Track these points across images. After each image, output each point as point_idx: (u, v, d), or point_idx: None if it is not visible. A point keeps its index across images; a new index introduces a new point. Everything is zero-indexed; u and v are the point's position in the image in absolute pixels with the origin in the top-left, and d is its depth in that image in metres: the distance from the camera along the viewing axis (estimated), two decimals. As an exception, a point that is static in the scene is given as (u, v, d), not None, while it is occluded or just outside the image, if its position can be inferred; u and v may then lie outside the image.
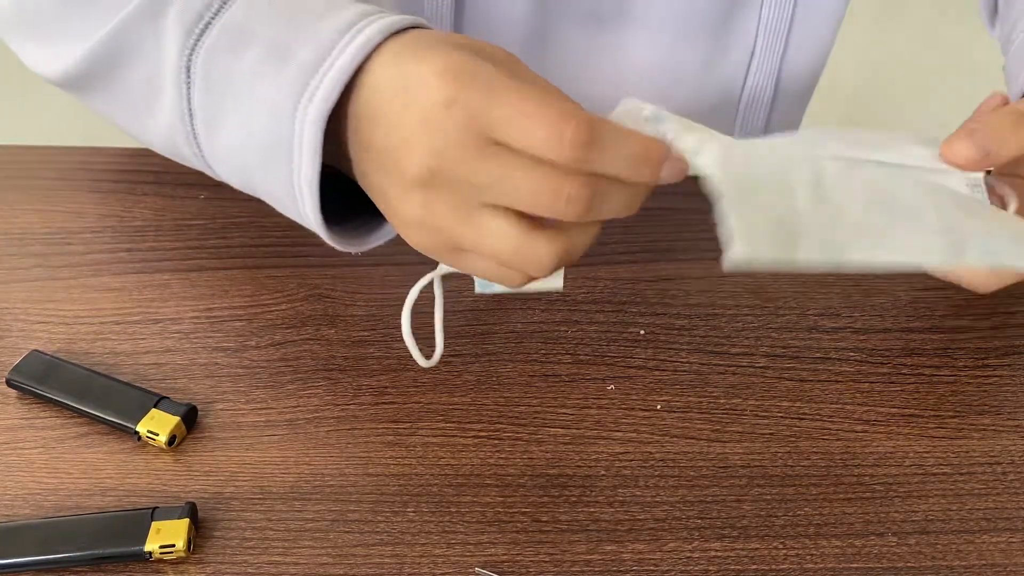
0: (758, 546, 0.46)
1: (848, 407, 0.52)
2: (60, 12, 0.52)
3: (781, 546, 0.46)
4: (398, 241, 0.57)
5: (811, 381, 0.53)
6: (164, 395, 0.50)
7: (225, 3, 0.46)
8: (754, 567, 0.45)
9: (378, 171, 0.43)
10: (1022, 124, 0.46)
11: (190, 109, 0.47)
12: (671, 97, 0.72)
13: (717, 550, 0.46)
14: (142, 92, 0.50)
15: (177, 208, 0.61)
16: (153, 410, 0.49)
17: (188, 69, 0.46)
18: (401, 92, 0.41)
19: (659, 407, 0.51)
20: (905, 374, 0.54)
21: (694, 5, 0.67)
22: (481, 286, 0.45)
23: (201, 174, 0.63)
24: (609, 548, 0.46)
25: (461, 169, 0.39)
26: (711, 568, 0.45)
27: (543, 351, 0.54)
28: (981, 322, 0.57)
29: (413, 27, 0.44)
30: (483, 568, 0.45)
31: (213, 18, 0.46)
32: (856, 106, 1.70)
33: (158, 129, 0.50)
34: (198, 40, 0.46)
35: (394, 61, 0.41)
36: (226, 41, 0.46)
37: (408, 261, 0.58)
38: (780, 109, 0.75)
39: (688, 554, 0.45)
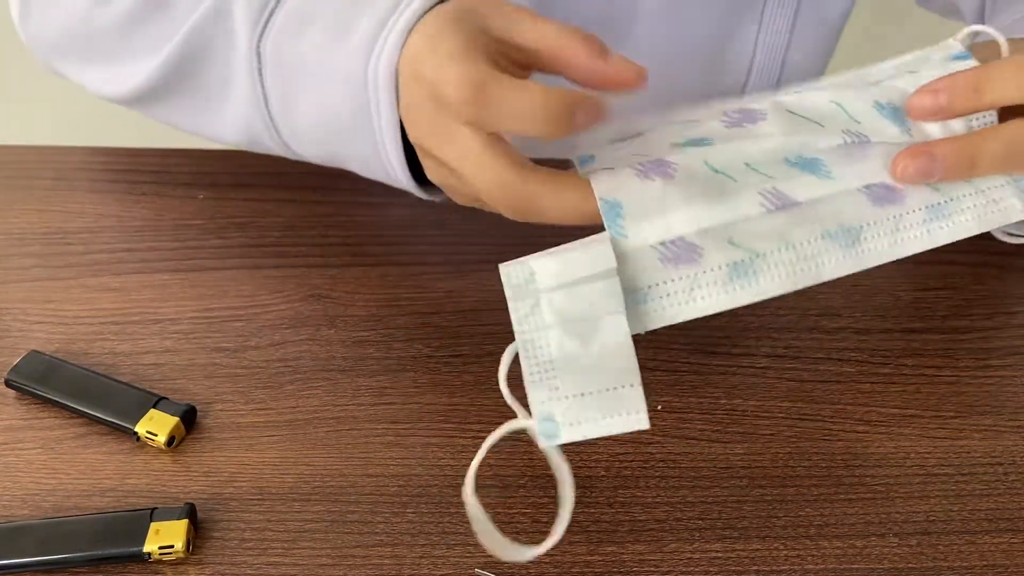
0: (759, 547, 0.46)
1: (849, 407, 0.52)
2: (123, 33, 0.54)
3: (782, 547, 0.46)
4: (397, 241, 0.58)
5: (812, 381, 0.53)
6: (163, 395, 0.49)
7: None
8: (755, 568, 0.45)
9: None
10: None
11: (264, 93, 0.50)
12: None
13: (718, 551, 0.46)
14: (216, 87, 0.52)
15: (176, 208, 0.61)
16: (152, 411, 0.49)
17: (259, 55, 0.49)
18: (406, 82, 0.44)
19: (659, 407, 0.51)
20: (906, 374, 0.54)
21: (691, 28, 0.67)
22: (546, 439, 0.39)
23: (200, 174, 0.63)
24: (609, 549, 0.45)
25: (429, 141, 0.43)
26: (712, 569, 0.45)
27: (543, 351, 0.54)
28: (982, 322, 0.56)
29: None
30: (483, 569, 0.44)
31: (277, 5, 0.49)
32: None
33: (233, 121, 0.53)
34: (264, 27, 0.49)
35: (413, 40, 0.44)
36: (291, 24, 0.49)
37: (408, 261, 0.58)
38: None
39: (689, 555, 0.45)
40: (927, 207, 0.43)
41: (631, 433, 0.50)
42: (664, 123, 0.47)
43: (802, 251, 0.41)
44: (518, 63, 0.44)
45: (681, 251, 0.41)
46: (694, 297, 0.40)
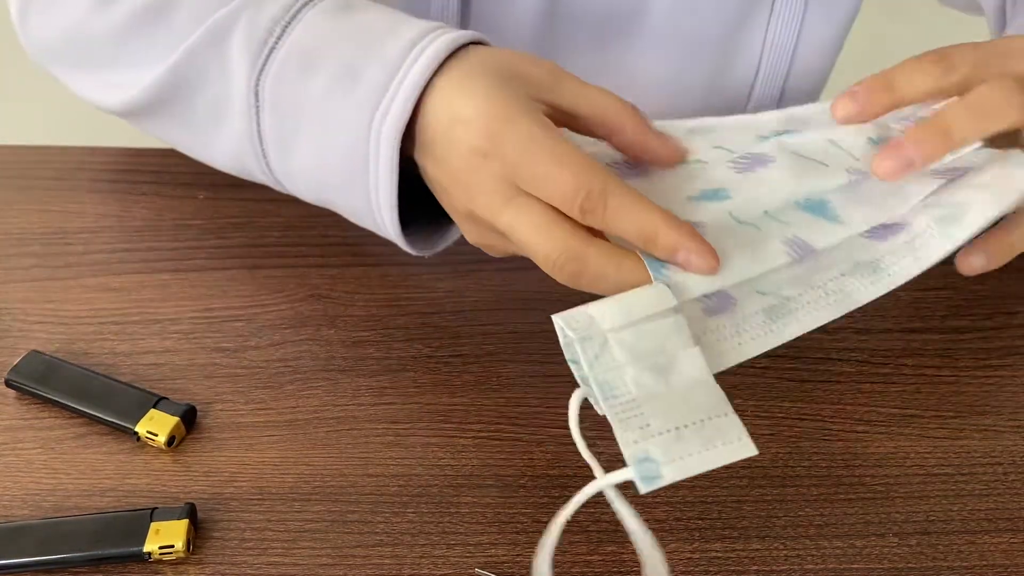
0: (759, 547, 0.46)
1: (849, 407, 0.52)
2: (118, 43, 0.53)
3: (782, 547, 0.46)
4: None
5: (812, 381, 0.53)
6: (163, 395, 0.49)
7: (287, 28, 0.48)
8: (755, 568, 0.45)
9: (437, 192, 0.46)
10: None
11: (259, 132, 0.49)
12: (677, 109, 0.72)
13: (717, 551, 0.46)
14: (208, 115, 0.51)
15: (176, 208, 0.61)
16: (152, 410, 0.49)
17: (256, 94, 0.48)
18: (448, 129, 0.44)
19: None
20: (906, 374, 0.54)
21: (701, 21, 0.68)
22: (647, 482, 0.37)
23: (200, 174, 0.63)
24: (610, 549, 0.45)
25: (489, 214, 0.43)
26: (711, 569, 0.45)
27: (543, 351, 0.54)
28: (982, 322, 0.57)
29: (473, 42, 0.46)
30: (483, 568, 0.44)
31: (276, 43, 0.48)
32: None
33: (224, 150, 0.52)
34: (264, 65, 0.48)
35: (446, 92, 0.44)
36: (293, 66, 0.47)
37: (408, 261, 0.58)
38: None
39: (688, 555, 0.45)
40: (936, 220, 0.43)
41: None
42: (668, 170, 0.47)
43: (828, 288, 0.43)
44: (559, 122, 0.45)
45: (720, 302, 0.41)
46: (742, 341, 0.41)
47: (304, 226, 0.60)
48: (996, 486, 0.49)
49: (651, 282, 0.41)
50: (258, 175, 0.52)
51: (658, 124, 0.48)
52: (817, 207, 0.44)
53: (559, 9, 0.67)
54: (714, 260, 0.41)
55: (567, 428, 0.50)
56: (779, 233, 0.43)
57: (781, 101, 0.73)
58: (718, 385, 0.38)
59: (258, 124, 0.49)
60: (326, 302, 0.56)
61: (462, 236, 0.49)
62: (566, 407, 0.51)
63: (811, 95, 0.77)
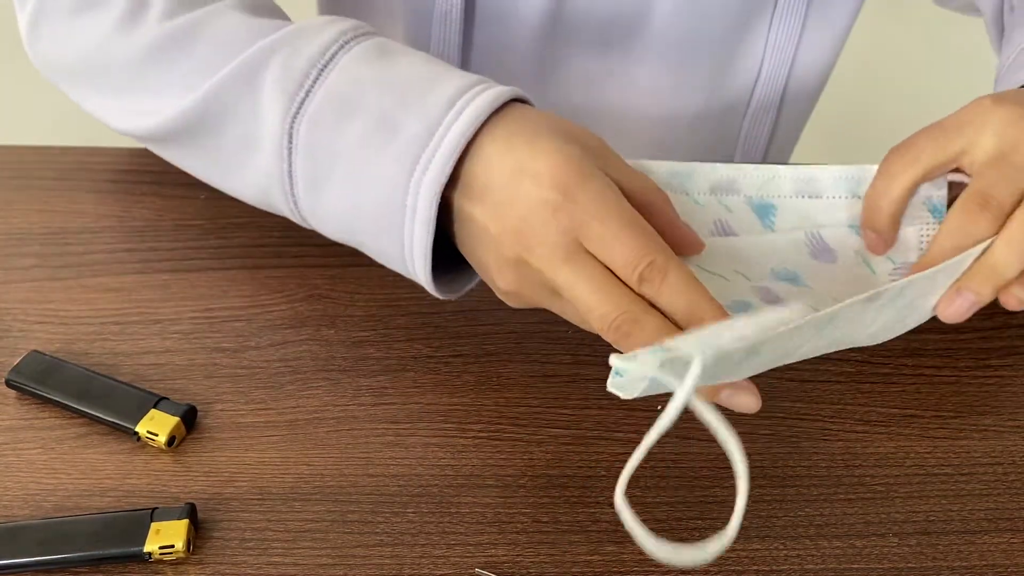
0: (759, 547, 0.46)
1: (849, 407, 0.52)
2: (139, 69, 0.53)
3: (782, 547, 0.46)
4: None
5: (812, 381, 0.53)
6: (163, 396, 0.49)
7: (323, 71, 0.48)
8: (755, 568, 0.45)
9: (476, 242, 0.46)
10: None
11: (290, 173, 0.49)
12: (677, 116, 0.73)
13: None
14: (235, 150, 0.51)
15: (176, 208, 0.61)
16: (152, 411, 0.49)
17: (291, 136, 0.48)
18: (513, 180, 0.44)
19: (660, 407, 0.51)
20: (906, 374, 0.54)
21: (703, 28, 0.68)
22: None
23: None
24: (610, 548, 0.46)
25: (546, 266, 0.43)
26: (712, 569, 0.45)
27: (543, 351, 0.54)
28: (982, 322, 0.57)
29: (515, 98, 0.47)
30: (483, 569, 0.45)
31: (313, 86, 0.48)
32: (857, 104, 1.70)
33: (249, 184, 0.51)
34: (300, 108, 0.47)
35: (506, 144, 0.44)
36: (330, 111, 0.47)
37: (408, 261, 0.58)
38: (784, 118, 0.76)
39: (688, 555, 0.45)
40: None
41: (632, 434, 0.50)
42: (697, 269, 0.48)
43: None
44: None
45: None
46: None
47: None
48: (996, 486, 0.49)
49: None
50: (283, 210, 0.51)
51: (679, 167, 0.49)
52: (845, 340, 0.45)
53: (563, 14, 0.67)
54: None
55: (567, 428, 0.50)
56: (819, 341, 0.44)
57: (781, 104, 0.73)
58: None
59: (290, 165, 0.48)
60: (326, 302, 0.56)
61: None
62: (566, 407, 0.51)
63: (811, 97, 0.77)
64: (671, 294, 0.41)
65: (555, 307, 0.45)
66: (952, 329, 0.56)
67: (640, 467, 0.49)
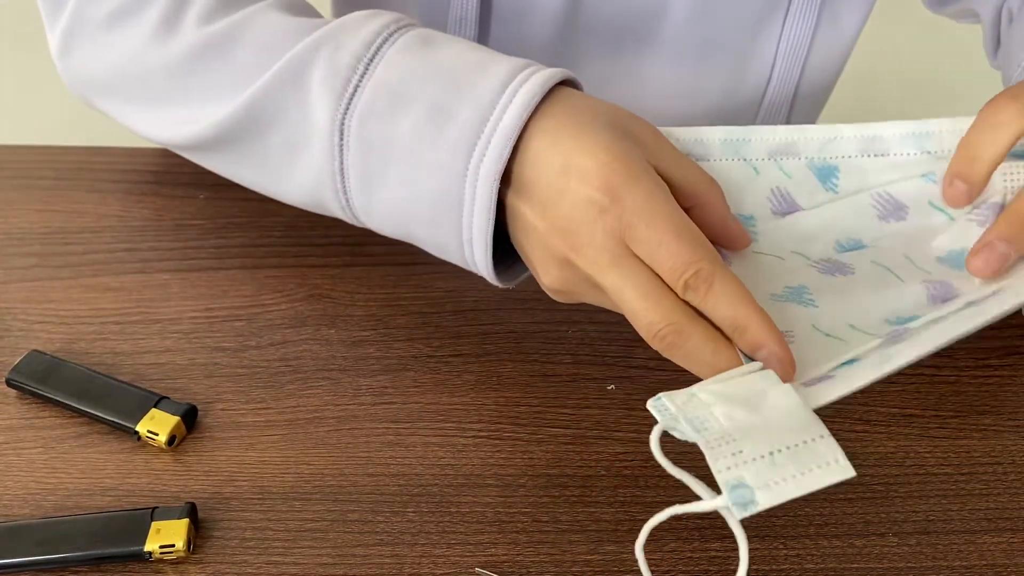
0: (758, 546, 0.46)
1: (848, 407, 0.52)
2: (178, 78, 0.52)
3: (782, 546, 0.46)
4: (397, 241, 0.57)
5: (811, 381, 0.53)
6: (164, 395, 0.50)
7: (370, 64, 0.48)
8: (754, 567, 0.45)
9: (523, 237, 0.46)
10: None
11: (342, 169, 0.48)
12: (691, 115, 0.73)
13: (717, 550, 0.46)
14: (283, 152, 0.50)
15: (177, 208, 0.61)
16: (153, 410, 0.49)
17: (342, 132, 0.47)
18: (559, 176, 0.43)
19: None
20: (906, 374, 0.54)
21: (717, 29, 0.68)
22: (742, 508, 0.35)
23: (200, 174, 0.63)
24: (609, 548, 0.46)
25: (592, 269, 0.43)
26: (711, 568, 0.45)
27: (543, 351, 0.54)
28: (982, 322, 0.57)
29: (564, 81, 0.47)
30: (483, 568, 0.45)
31: (361, 80, 0.47)
32: (866, 99, 1.71)
33: (299, 184, 0.51)
34: (350, 103, 0.47)
35: (553, 137, 0.44)
36: (381, 104, 0.47)
37: (407, 261, 0.58)
38: (795, 118, 0.76)
39: (688, 554, 0.45)
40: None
41: (631, 434, 0.50)
42: (749, 263, 0.48)
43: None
44: None
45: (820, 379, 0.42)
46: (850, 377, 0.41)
47: (305, 226, 0.60)
48: (996, 486, 0.49)
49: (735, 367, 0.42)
50: (334, 209, 0.51)
51: (735, 131, 0.49)
52: (900, 329, 0.45)
53: (578, 16, 0.67)
54: (791, 371, 0.41)
55: (567, 428, 0.50)
56: (871, 347, 0.44)
57: (793, 104, 0.73)
58: (812, 412, 0.37)
59: (342, 162, 0.48)
60: (326, 302, 0.56)
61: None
62: (566, 407, 0.51)
63: (822, 97, 0.77)
64: (716, 303, 0.41)
65: (604, 303, 0.45)
66: (952, 329, 0.56)
67: (640, 467, 0.49)
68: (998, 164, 0.47)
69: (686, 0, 0.65)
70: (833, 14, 0.69)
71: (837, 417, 0.51)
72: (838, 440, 0.50)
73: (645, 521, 0.47)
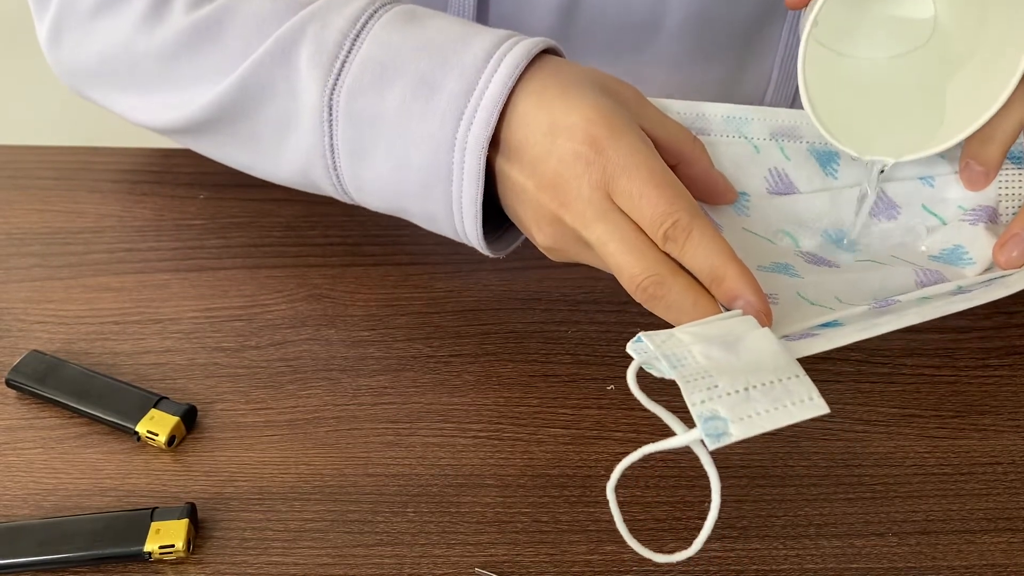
0: (758, 546, 0.46)
1: (849, 407, 0.52)
2: (167, 63, 0.53)
3: (781, 546, 0.46)
4: (397, 241, 0.58)
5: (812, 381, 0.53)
6: (164, 395, 0.50)
7: (356, 40, 0.48)
8: (754, 567, 0.45)
9: (514, 200, 0.47)
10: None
11: (332, 145, 0.49)
12: None
13: (717, 550, 0.46)
14: (273, 131, 0.51)
15: (177, 208, 0.61)
16: (153, 410, 0.49)
17: (331, 108, 0.48)
18: (547, 134, 0.44)
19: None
20: (906, 374, 0.54)
21: (716, 32, 0.68)
22: (714, 439, 0.36)
23: (200, 174, 0.63)
24: (609, 548, 0.46)
25: (579, 223, 0.43)
26: (711, 568, 0.45)
27: (543, 351, 0.54)
28: (982, 322, 0.57)
29: (547, 49, 0.47)
30: (483, 568, 0.45)
31: (347, 56, 0.48)
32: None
33: (290, 162, 0.52)
34: (337, 78, 0.48)
35: (539, 98, 0.45)
36: (368, 79, 0.48)
37: (407, 261, 0.58)
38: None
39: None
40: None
41: (631, 434, 0.50)
42: (738, 238, 0.48)
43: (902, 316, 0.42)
44: None
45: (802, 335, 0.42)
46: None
47: (305, 226, 0.60)
48: (995, 486, 0.49)
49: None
50: (324, 187, 0.52)
51: (737, 110, 0.49)
52: (885, 303, 0.45)
53: (575, 17, 0.67)
54: (767, 322, 0.41)
55: (567, 428, 0.50)
56: (856, 313, 0.44)
57: (792, 107, 0.73)
58: (789, 354, 0.38)
59: (331, 137, 0.49)
60: (326, 302, 0.56)
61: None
62: (566, 407, 0.51)
63: None
64: (694, 254, 0.42)
65: (593, 261, 0.46)
66: (952, 329, 0.56)
67: (640, 467, 0.49)
68: (1010, 144, 0.47)
69: (684, 5, 0.65)
70: None
71: (837, 417, 0.51)
72: (838, 439, 0.50)
73: (645, 521, 0.47)
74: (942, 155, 0.49)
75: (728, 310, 0.42)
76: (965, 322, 0.56)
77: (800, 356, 0.40)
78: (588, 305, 0.56)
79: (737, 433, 0.35)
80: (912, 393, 0.53)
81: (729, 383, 0.36)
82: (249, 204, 0.62)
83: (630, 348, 0.39)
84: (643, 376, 0.38)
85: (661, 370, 0.38)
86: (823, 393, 0.52)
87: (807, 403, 0.36)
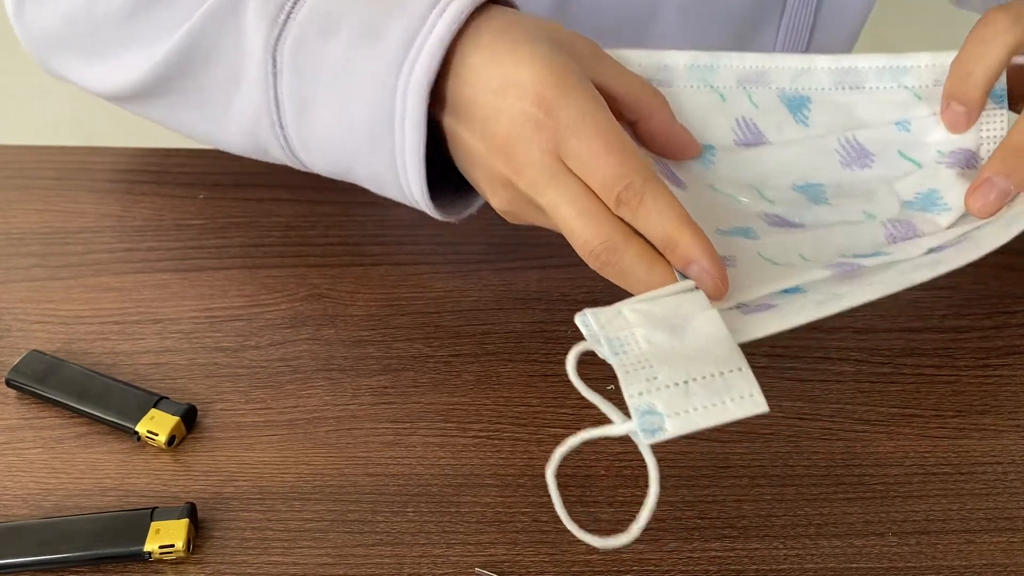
0: (758, 546, 0.46)
1: (849, 407, 0.52)
2: (125, 24, 0.52)
3: (781, 546, 0.46)
4: (397, 241, 0.58)
5: (812, 381, 0.53)
6: (164, 395, 0.50)
7: None
8: (754, 567, 0.45)
9: (467, 162, 0.45)
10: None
11: (276, 99, 0.48)
12: None
13: (717, 550, 0.46)
14: (219, 90, 0.50)
15: (176, 208, 0.61)
16: (152, 410, 0.49)
17: (275, 61, 0.47)
18: (497, 94, 0.43)
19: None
20: (906, 374, 0.54)
21: (710, 32, 0.67)
22: (649, 434, 0.36)
23: (200, 174, 0.63)
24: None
25: (531, 188, 0.42)
26: (711, 568, 0.45)
27: (543, 351, 0.54)
28: (982, 322, 0.57)
29: (500, 1, 0.46)
30: (483, 568, 0.45)
31: (293, 8, 0.47)
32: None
33: (237, 125, 0.50)
34: (282, 31, 0.47)
35: (489, 51, 0.43)
36: (313, 30, 0.46)
37: (408, 261, 0.58)
38: None
39: (688, 554, 0.45)
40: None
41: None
42: (704, 198, 0.47)
43: (860, 288, 0.42)
44: None
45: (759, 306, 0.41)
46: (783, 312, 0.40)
47: (304, 226, 0.60)
48: (996, 486, 0.49)
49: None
50: (273, 149, 0.51)
51: (702, 56, 0.47)
52: (865, 257, 0.44)
53: (567, 17, 0.67)
54: (723, 287, 0.40)
55: (567, 428, 0.50)
56: (818, 279, 0.43)
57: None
58: (734, 342, 0.37)
59: (275, 91, 0.47)
60: (326, 302, 0.56)
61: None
62: (566, 407, 0.51)
63: None
64: (647, 218, 0.41)
65: (549, 225, 0.44)
66: (952, 329, 0.56)
67: (640, 467, 0.49)
68: (993, 80, 0.45)
69: (677, 2, 0.65)
70: (830, 17, 0.69)
71: (837, 417, 0.51)
72: (837, 439, 0.50)
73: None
74: (919, 96, 0.47)
75: (684, 276, 0.41)
76: (965, 322, 0.57)
77: (753, 338, 0.39)
78: (588, 305, 0.56)
79: (672, 429, 0.35)
80: (912, 393, 0.53)
81: (669, 375, 0.36)
82: (249, 204, 0.62)
83: (578, 320, 0.39)
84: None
85: (603, 354, 0.38)
86: (823, 393, 0.52)
87: (746, 400, 0.35)
